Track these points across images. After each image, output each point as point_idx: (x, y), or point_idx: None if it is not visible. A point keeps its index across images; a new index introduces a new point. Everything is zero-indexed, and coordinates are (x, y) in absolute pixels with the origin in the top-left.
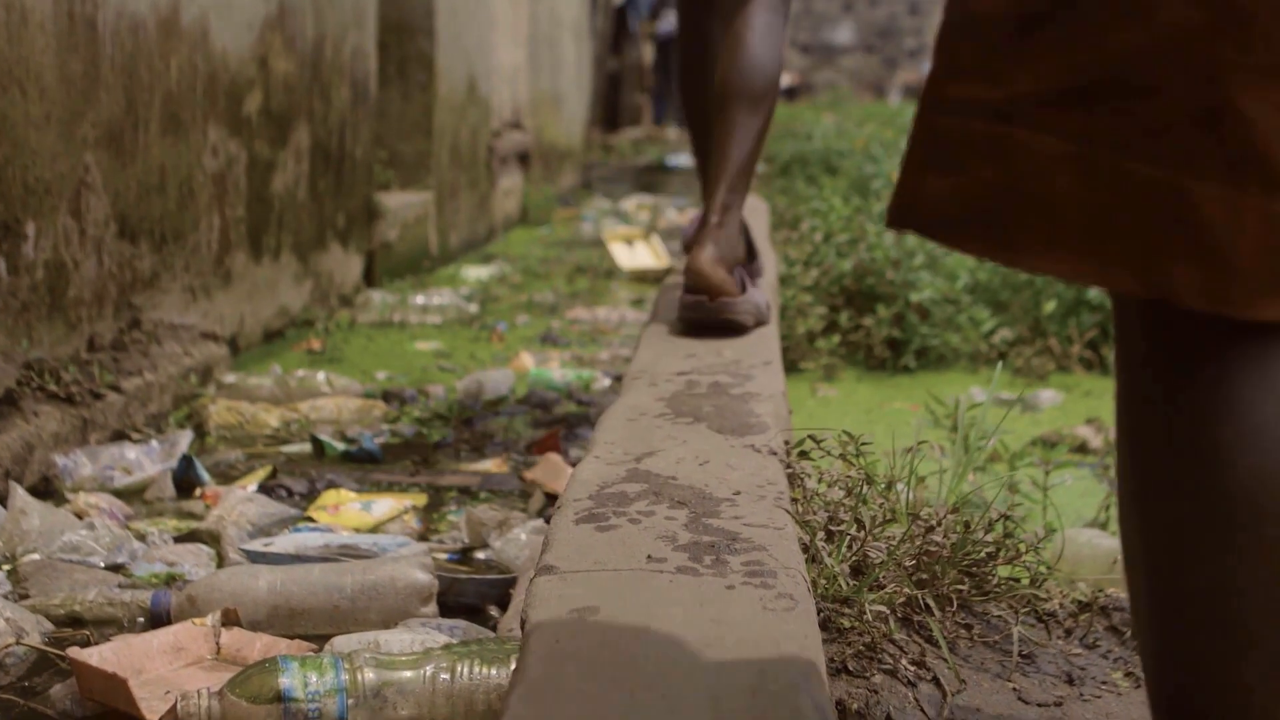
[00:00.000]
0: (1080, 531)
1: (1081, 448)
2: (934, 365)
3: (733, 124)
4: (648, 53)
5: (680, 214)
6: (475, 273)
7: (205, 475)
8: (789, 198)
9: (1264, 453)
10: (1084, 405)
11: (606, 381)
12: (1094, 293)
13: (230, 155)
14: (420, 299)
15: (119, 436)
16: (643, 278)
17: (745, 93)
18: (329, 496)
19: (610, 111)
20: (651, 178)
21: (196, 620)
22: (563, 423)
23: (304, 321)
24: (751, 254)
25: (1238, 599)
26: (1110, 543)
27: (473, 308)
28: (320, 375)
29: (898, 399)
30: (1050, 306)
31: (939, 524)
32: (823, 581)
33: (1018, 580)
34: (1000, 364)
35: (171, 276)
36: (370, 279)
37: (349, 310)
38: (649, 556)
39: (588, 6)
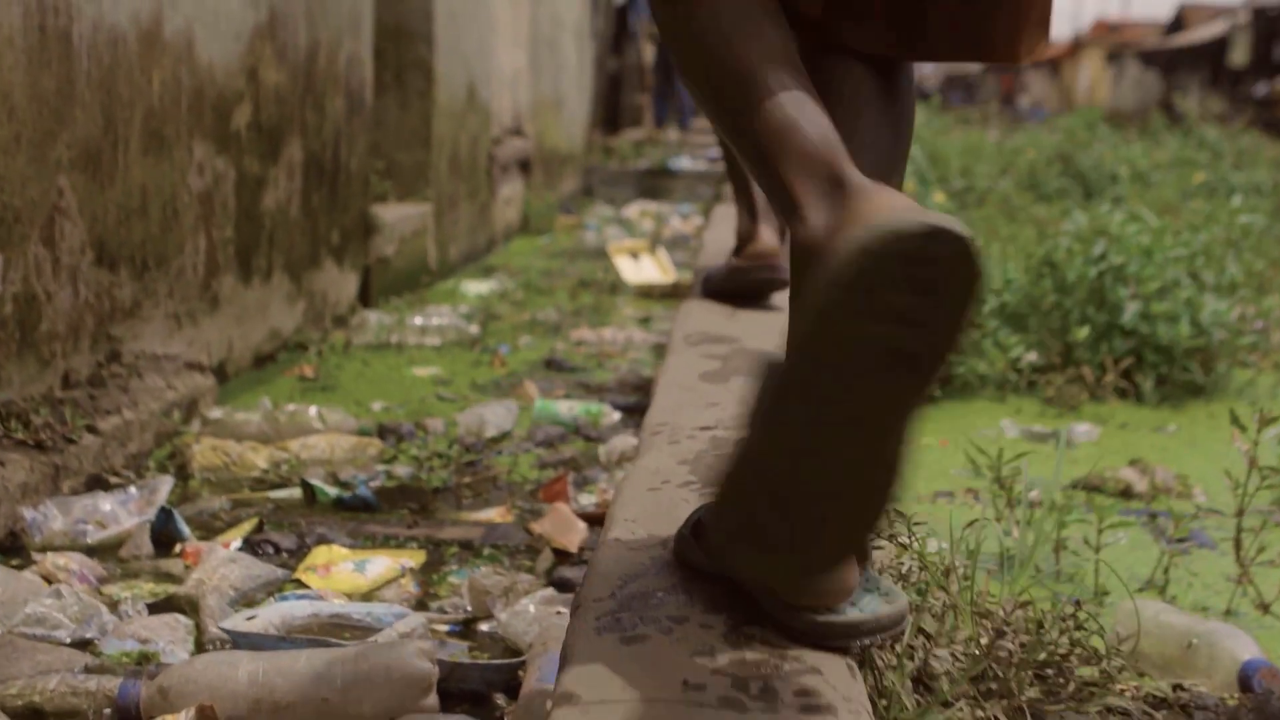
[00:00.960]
0: (1146, 604)
1: (1125, 492)
2: (960, 393)
3: None
4: (648, 52)
5: (684, 221)
6: (475, 288)
7: (185, 529)
8: None
9: None
10: (1121, 440)
11: (616, 416)
12: (1128, 317)
13: (217, 173)
14: (418, 320)
15: (95, 482)
16: (649, 293)
17: None
18: (319, 554)
19: (611, 112)
20: (654, 182)
21: (168, 717)
22: (570, 464)
23: (297, 345)
24: None
25: None
26: (1181, 619)
27: (473, 328)
28: (312, 410)
29: (923, 432)
30: (1083, 333)
31: (1007, 622)
32: (882, 702)
33: (1096, 686)
34: (1023, 380)
35: (154, 304)
36: (366, 297)
37: (344, 331)
38: (685, 682)
39: (589, 7)
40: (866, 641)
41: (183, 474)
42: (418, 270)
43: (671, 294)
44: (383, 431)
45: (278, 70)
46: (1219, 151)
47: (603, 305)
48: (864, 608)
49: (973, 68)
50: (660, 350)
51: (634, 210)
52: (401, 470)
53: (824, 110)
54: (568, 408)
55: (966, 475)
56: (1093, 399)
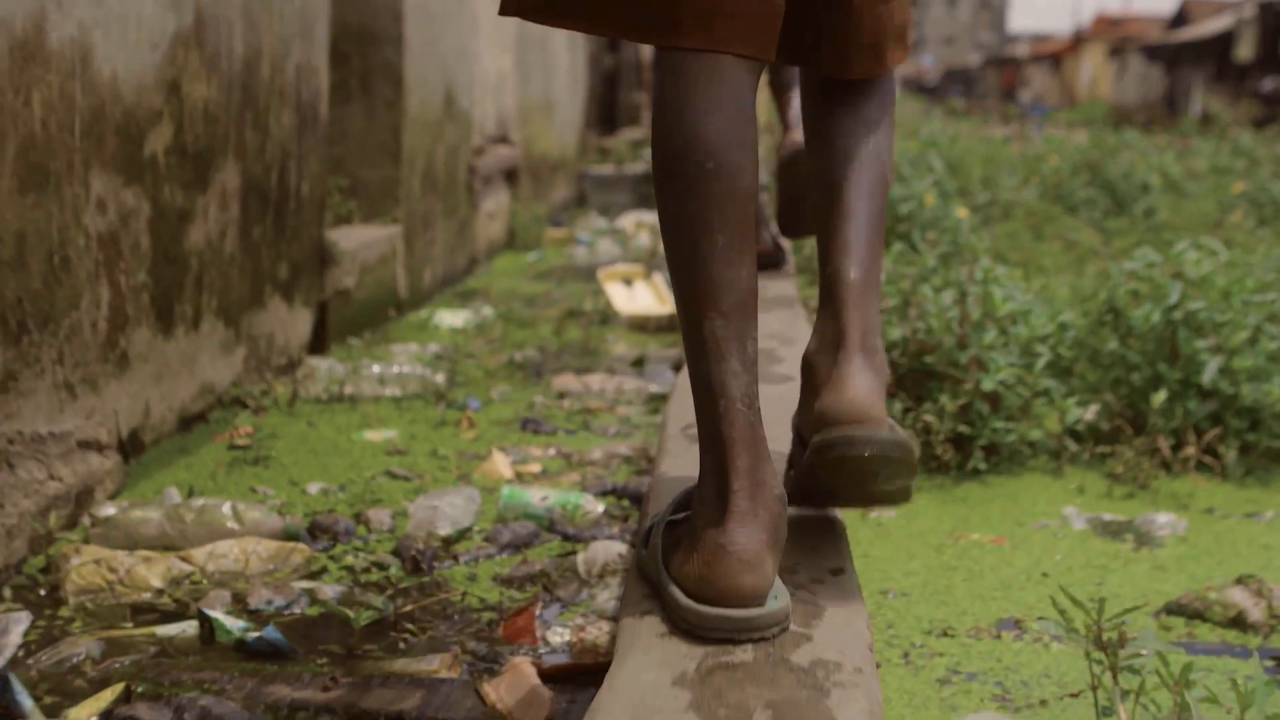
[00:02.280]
0: None
1: (1237, 620)
2: (1007, 465)
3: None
4: (646, 50)
5: None
6: (451, 319)
7: (26, 702)
8: (807, 248)
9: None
10: (1212, 534)
11: (599, 509)
12: (1208, 376)
13: (125, 209)
14: (376, 368)
15: None
16: (643, 325)
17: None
18: None
19: (607, 112)
20: (648, 188)
21: None
22: (541, 580)
23: (234, 400)
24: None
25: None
26: None
27: (440, 377)
28: (225, 507)
29: (972, 521)
30: (1159, 398)
31: None
32: None
33: None
34: (1085, 451)
35: (36, 373)
36: (323, 336)
37: (292, 381)
38: None
39: None
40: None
41: (55, 599)
42: (385, 301)
43: (668, 326)
44: (315, 529)
45: (207, 83)
46: (1255, 159)
47: (591, 341)
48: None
49: (973, 63)
50: (655, 405)
51: (629, 221)
52: (330, 590)
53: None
54: (541, 498)
55: (1031, 585)
56: (1167, 471)
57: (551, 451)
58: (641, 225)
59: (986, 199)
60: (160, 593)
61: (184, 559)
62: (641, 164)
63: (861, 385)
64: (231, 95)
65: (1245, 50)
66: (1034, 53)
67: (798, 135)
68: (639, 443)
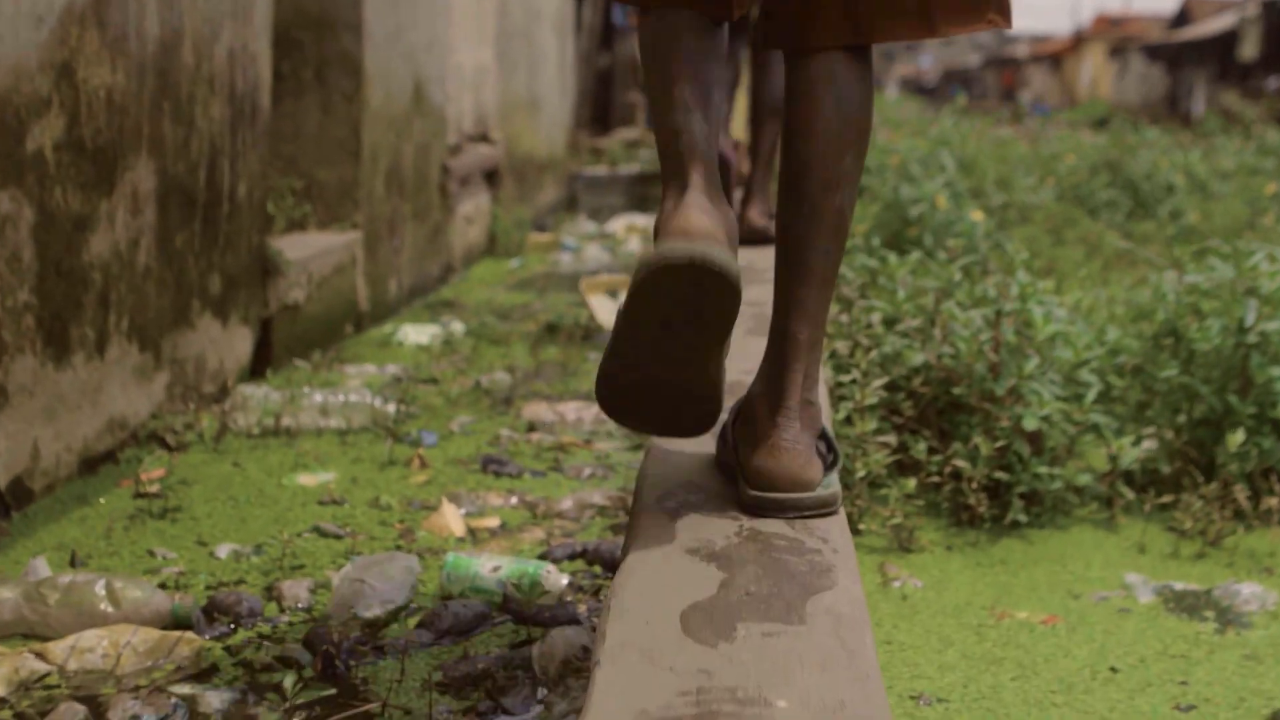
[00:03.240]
0: None
1: None
2: (1051, 516)
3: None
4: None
5: None
6: (416, 335)
7: None
8: None
9: None
10: None
11: (562, 581)
12: None
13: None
14: (319, 397)
15: None
16: None
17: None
18: None
19: (601, 111)
20: (644, 189)
21: None
22: (485, 683)
23: (151, 435)
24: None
25: None
26: None
27: (391, 407)
28: (99, 584)
29: (1016, 592)
30: (1236, 439)
31: None
32: None
33: None
34: (1146, 501)
35: None
36: (265, 358)
37: (223, 412)
38: None
39: None
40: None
41: None
42: (342, 315)
43: None
44: (212, 609)
45: (111, 68)
46: None
47: (570, 361)
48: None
49: (972, 63)
50: (637, 440)
51: (619, 225)
52: (216, 699)
53: (706, 119)
54: (493, 568)
55: (1098, 687)
56: (1242, 524)
57: (514, 500)
58: (633, 229)
59: (1002, 201)
60: (2, 702)
61: (40, 654)
62: (638, 163)
63: (797, 453)
64: (144, 82)
65: (1250, 49)
66: (1034, 53)
67: (754, 217)
68: (616, 489)
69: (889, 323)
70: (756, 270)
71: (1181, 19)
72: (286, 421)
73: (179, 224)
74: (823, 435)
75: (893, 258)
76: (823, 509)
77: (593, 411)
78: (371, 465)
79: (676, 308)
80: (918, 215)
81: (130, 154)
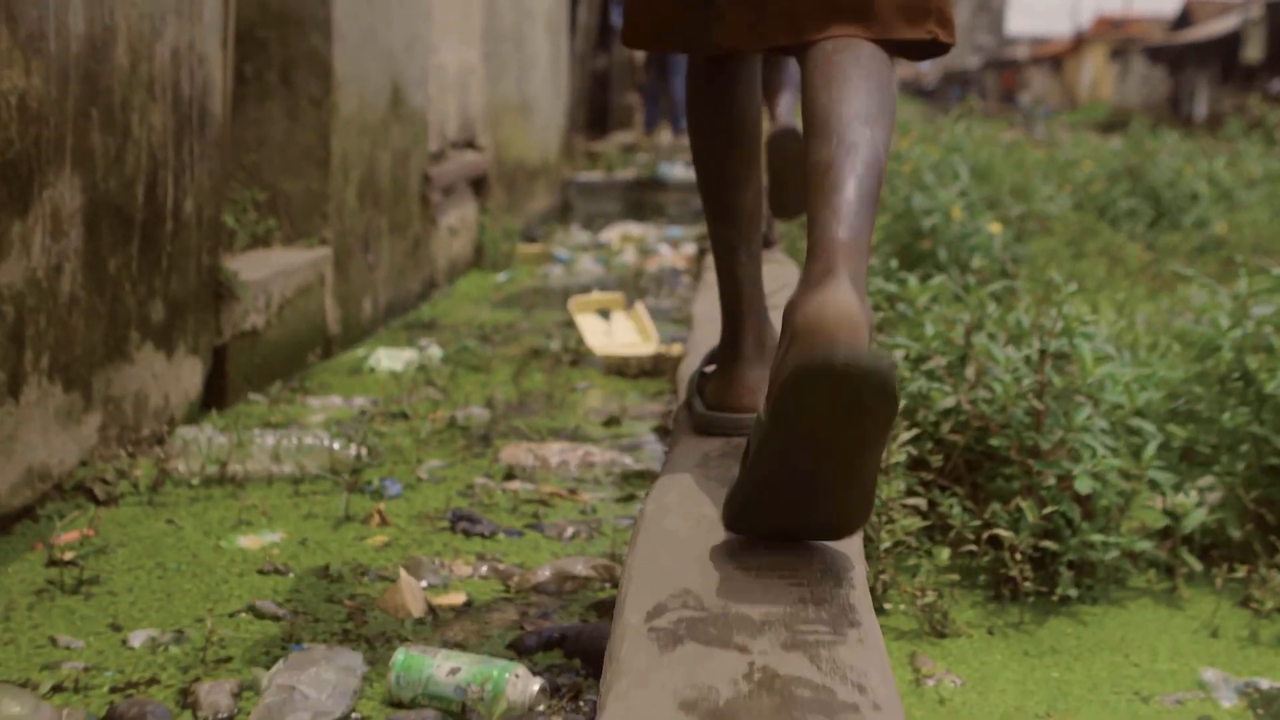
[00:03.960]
0: None
1: None
2: (1103, 588)
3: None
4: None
5: (674, 250)
6: (390, 361)
7: None
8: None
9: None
10: None
11: (532, 687)
12: None
13: None
14: (271, 439)
15: None
16: (622, 369)
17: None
18: None
19: (597, 114)
20: (641, 196)
21: None
22: None
23: (78, 486)
24: None
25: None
26: None
27: (352, 450)
28: None
29: (1072, 690)
30: None
31: None
32: None
33: None
34: (1219, 576)
35: None
36: (220, 390)
37: (161, 458)
38: None
39: None
40: None
41: None
42: (309, 340)
43: (651, 371)
44: None
45: (25, 70)
46: None
47: (557, 391)
48: None
49: (972, 64)
50: (629, 490)
51: (614, 234)
52: None
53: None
54: (450, 670)
55: None
56: None
57: (484, 568)
58: (627, 239)
59: (1020, 211)
60: None
61: None
62: (635, 167)
63: (843, 299)
64: (67, 87)
65: (1253, 51)
66: (1034, 55)
67: (784, 121)
68: (601, 553)
69: (915, 361)
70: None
71: (1183, 20)
72: (234, 468)
73: (112, 247)
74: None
75: (913, 281)
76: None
77: (579, 454)
78: (325, 522)
79: (835, 416)
80: (931, 227)
81: (50, 169)
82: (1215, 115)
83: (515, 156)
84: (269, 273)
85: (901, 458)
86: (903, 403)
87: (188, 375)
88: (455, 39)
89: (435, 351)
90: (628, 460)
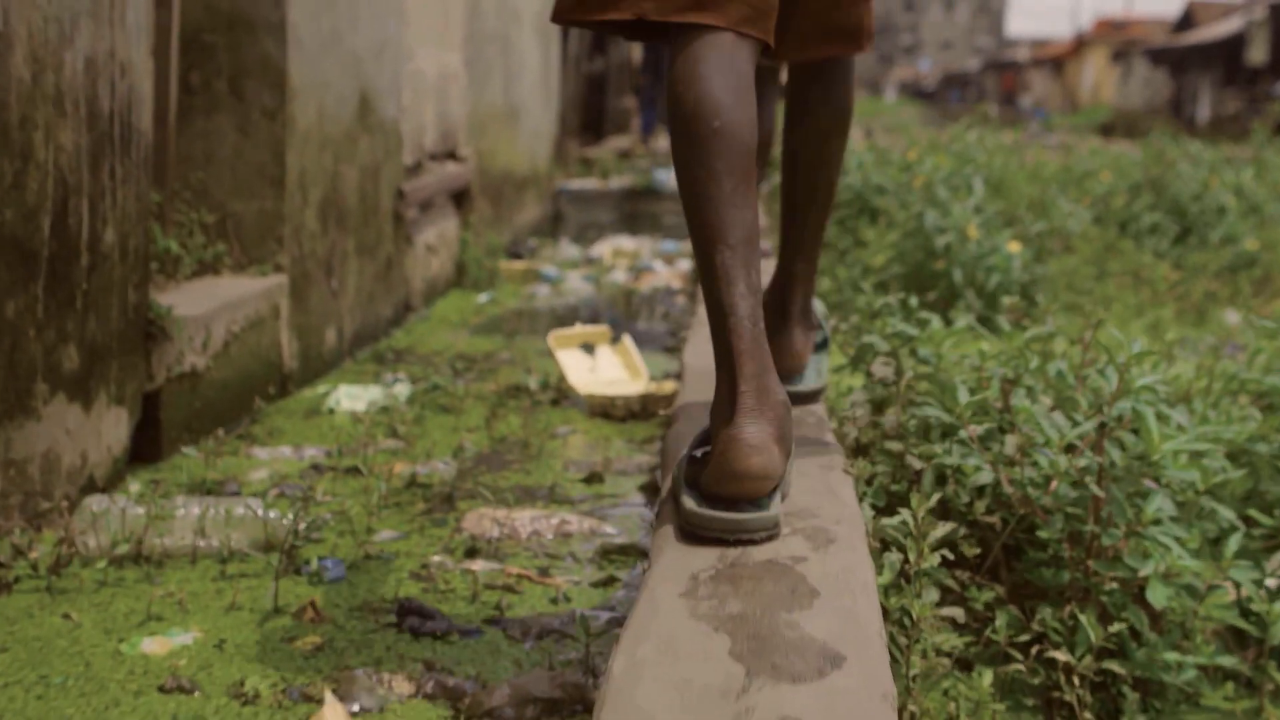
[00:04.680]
0: None
1: None
2: (1172, 711)
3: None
4: (636, 51)
5: (669, 267)
6: (351, 402)
7: None
8: (825, 283)
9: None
10: None
11: None
12: None
13: None
14: (195, 509)
15: None
16: (607, 410)
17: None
18: None
19: (592, 119)
20: (636, 205)
21: None
22: None
23: None
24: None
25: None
26: None
27: (289, 520)
28: None
29: None
30: None
31: None
32: None
33: None
34: None
35: None
36: (154, 442)
37: (66, 533)
38: None
39: None
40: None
41: None
42: (261, 378)
43: (640, 412)
44: None
45: None
46: None
47: (534, 437)
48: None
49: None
50: (609, 568)
51: (606, 249)
52: None
53: (750, 270)
54: None
55: None
56: None
57: (430, 684)
58: (620, 254)
59: (1041, 228)
60: None
61: None
62: (631, 175)
63: (798, 345)
64: None
65: (1258, 53)
66: (1034, 56)
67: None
68: (573, 663)
69: (944, 431)
70: None
71: (1185, 22)
72: (153, 543)
73: (10, 287)
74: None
75: (936, 323)
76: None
77: (553, 522)
78: (250, 616)
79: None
80: (945, 246)
81: None
82: (1218, 118)
83: (502, 166)
84: (213, 306)
85: (934, 561)
86: (936, 495)
87: (110, 428)
88: (433, 43)
89: (403, 389)
90: (609, 530)
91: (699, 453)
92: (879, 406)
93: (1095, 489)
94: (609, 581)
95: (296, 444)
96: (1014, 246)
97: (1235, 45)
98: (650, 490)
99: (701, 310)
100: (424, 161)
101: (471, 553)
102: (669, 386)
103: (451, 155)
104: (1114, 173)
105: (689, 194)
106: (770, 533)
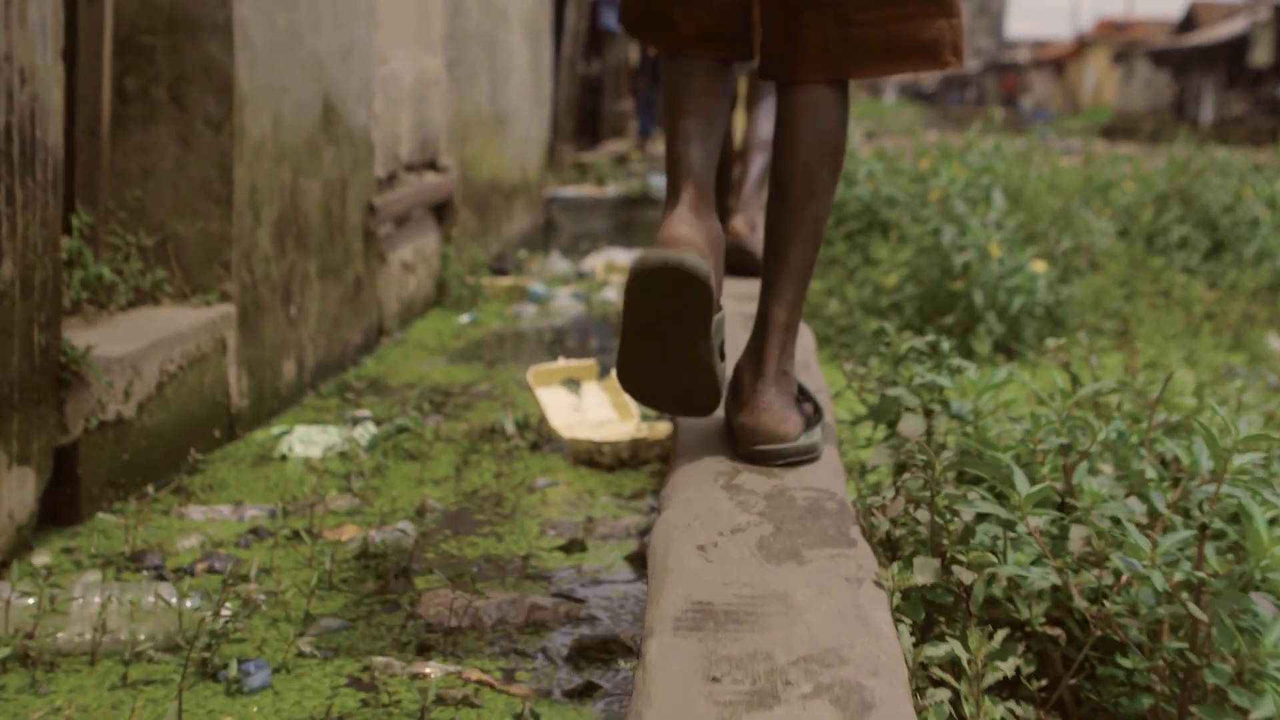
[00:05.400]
0: None
1: None
2: None
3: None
4: (633, 52)
5: None
6: (307, 446)
7: None
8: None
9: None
10: None
11: None
12: None
13: None
14: (96, 598)
15: None
16: (593, 457)
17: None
18: None
19: (588, 122)
20: (632, 214)
21: None
22: None
23: None
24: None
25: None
26: None
27: (208, 613)
28: None
29: None
30: None
31: None
32: None
33: None
34: None
35: None
36: (70, 503)
37: None
38: None
39: None
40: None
41: None
42: (204, 422)
43: (629, 460)
44: None
45: None
46: None
47: (509, 492)
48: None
49: (971, 67)
50: (589, 665)
51: (598, 262)
52: None
53: (705, 149)
54: None
55: None
56: None
57: None
58: (613, 268)
59: (1066, 244)
60: None
61: None
62: (627, 180)
63: (774, 411)
64: None
65: (1262, 54)
66: (1035, 58)
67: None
68: None
69: (1004, 528)
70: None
71: (1188, 23)
72: (47, 637)
73: None
74: (803, 394)
75: (970, 372)
76: (802, 456)
77: (523, 608)
78: None
79: (661, 305)
80: (963, 265)
81: None
82: (1222, 120)
83: (488, 175)
84: (145, 343)
85: (994, 676)
86: (983, 593)
87: (13, 492)
88: (410, 44)
89: (365, 431)
90: (589, 615)
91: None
92: (902, 468)
93: (1196, 611)
94: (585, 690)
95: (238, 500)
96: (1039, 266)
97: (1239, 46)
98: (639, 561)
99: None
100: (399, 172)
101: (425, 649)
102: (662, 429)
103: (431, 165)
104: (1137, 181)
105: (667, 99)
106: (695, 269)
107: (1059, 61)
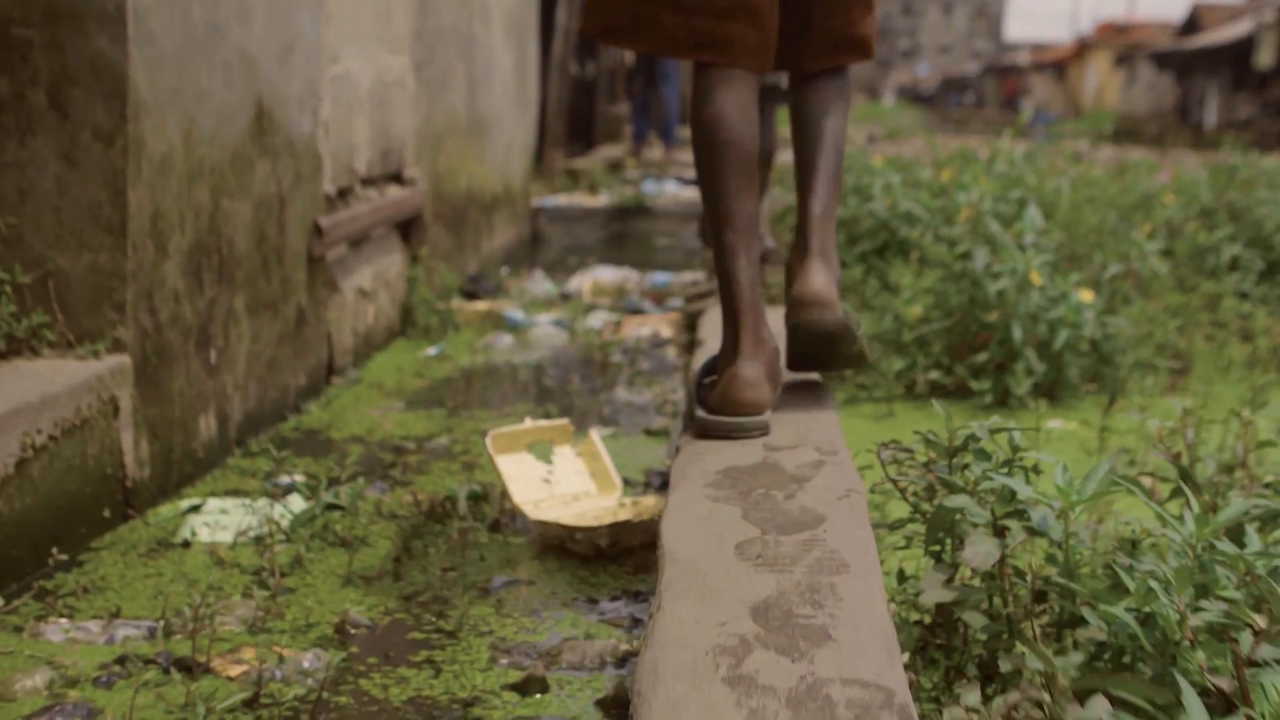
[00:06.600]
0: None
1: None
2: None
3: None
4: (629, 54)
5: (659, 308)
6: (215, 529)
7: None
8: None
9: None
10: None
11: None
12: None
13: None
14: None
15: None
16: (565, 543)
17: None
18: None
19: (581, 126)
20: (625, 225)
21: None
22: None
23: None
24: None
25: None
26: None
27: None
28: None
29: None
30: None
31: None
32: None
33: None
34: None
35: None
36: None
37: None
38: None
39: None
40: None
41: None
42: (88, 501)
43: (609, 549)
44: None
45: None
46: None
47: (456, 597)
48: None
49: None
50: None
51: (585, 282)
52: None
53: (751, 255)
54: None
55: None
56: None
57: None
58: (601, 290)
59: (1116, 269)
60: None
61: None
62: (620, 188)
63: (818, 280)
64: None
65: (1266, 57)
66: (1036, 60)
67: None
68: None
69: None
70: None
71: (1191, 25)
72: None
73: None
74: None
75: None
76: (849, 327)
77: None
78: None
79: None
80: (998, 293)
81: None
82: (1227, 123)
83: (464, 187)
84: (3, 409)
85: None
86: None
87: None
88: (368, 41)
89: (288, 508)
90: None
91: (707, 381)
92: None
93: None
94: None
95: (114, 611)
96: (1086, 296)
97: (1243, 49)
98: (613, 709)
99: (688, 449)
100: (355, 187)
101: None
102: (648, 505)
103: (396, 177)
104: (1177, 193)
105: (706, 189)
106: (762, 431)
107: (1060, 64)
